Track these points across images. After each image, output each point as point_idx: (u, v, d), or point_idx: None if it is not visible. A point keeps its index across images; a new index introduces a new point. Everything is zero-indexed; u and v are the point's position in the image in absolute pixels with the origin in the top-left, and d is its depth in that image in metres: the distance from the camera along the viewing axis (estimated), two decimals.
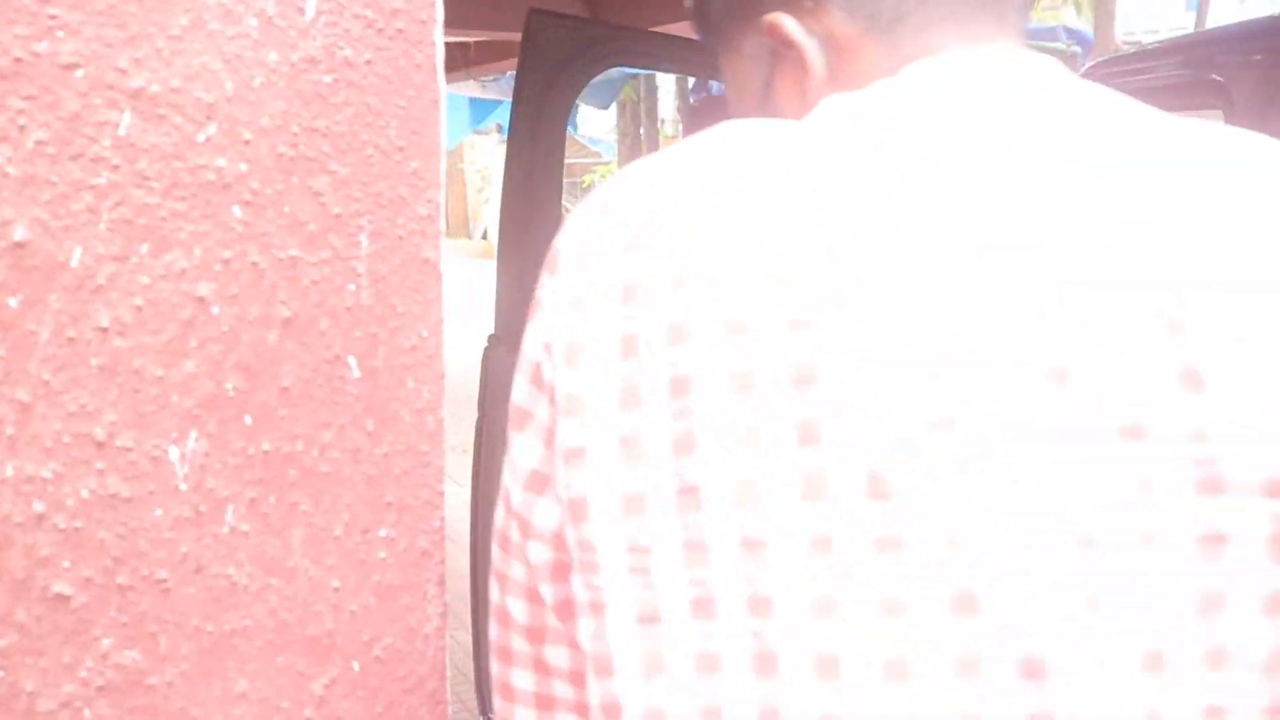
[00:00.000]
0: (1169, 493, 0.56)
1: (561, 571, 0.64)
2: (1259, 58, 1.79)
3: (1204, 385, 0.56)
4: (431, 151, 0.70)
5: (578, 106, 13.37)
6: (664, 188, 0.62)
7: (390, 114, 0.68)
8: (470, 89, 11.43)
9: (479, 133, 18.74)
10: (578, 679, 0.68)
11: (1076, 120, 0.63)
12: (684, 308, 0.58)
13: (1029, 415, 0.56)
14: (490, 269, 2.51)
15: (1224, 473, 0.56)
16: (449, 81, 4.27)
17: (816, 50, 0.70)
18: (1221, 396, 0.56)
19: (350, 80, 0.67)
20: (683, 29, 4.11)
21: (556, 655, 0.67)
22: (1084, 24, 15.84)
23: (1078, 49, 10.86)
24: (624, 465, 0.59)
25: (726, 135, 0.64)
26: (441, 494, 0.73)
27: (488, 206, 20.99)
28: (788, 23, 0.70)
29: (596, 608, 0.60)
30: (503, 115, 13.31)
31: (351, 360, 0.69)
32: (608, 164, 20.08)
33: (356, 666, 0.71)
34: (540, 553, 0.64)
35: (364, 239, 0.68)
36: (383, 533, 0.71)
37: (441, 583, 0.73)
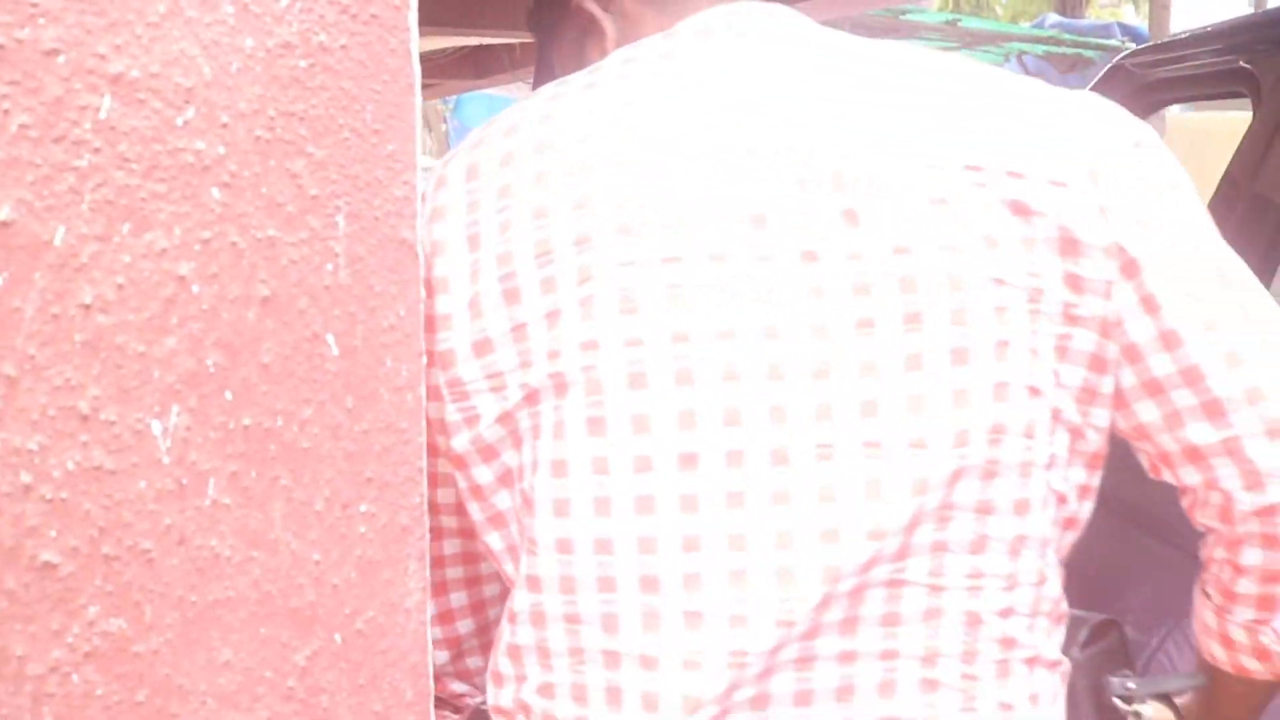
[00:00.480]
0: (834, 295, 0.84)
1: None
2: None
3: (859, 221, 0.85)
4: (407, 134, 0.71)
5: None
6: (520, 128, 0.92)
7: (366, 98, 0.70)
8: (521, 90, 11.50)
9: None
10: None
11: (788, 47, 0.92)
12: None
13: (742, 248, 0.85)
14: None
15: (871, 280, 0.84)
16: (494, 84, 4.30)
17: (611, 24, 1.00)
18: (871, 228, 0.85)
19: (326, 65, 0.69)
20: None
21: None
22: (1142, 20, 15.61)
23: (1133, 45, 10.73)
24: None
25: (557, 87, 0.94)
26: (422, 470, 0.74)
27: None
28: (590, 6, 1.00)
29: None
30: None
31: (330, 338, 0.70)
32: None
33: (339, 639, 0.73)
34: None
35: (341, 220, 0.70)
36: (363, 508, 0.73)
37: (423, 558, 0.75)
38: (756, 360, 0.84)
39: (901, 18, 10.63)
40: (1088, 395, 0.90)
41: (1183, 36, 2.23)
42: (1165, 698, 1.14)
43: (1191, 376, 0.89)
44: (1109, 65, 2.31)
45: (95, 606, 0.67)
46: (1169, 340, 0.89)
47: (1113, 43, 10.37)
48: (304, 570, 0.71)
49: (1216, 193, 1.84)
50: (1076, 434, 0.90)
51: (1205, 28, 2.19)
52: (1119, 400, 0.91)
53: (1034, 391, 0.86)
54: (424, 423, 0.74)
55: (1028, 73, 12.90)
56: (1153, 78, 2.17)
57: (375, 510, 0.73)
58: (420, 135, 0.72)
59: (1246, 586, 0.97)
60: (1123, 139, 0.91)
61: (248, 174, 0.67)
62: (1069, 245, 0.87)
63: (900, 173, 0.85)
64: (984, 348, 0.85)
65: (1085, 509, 0.94)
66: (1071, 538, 0.94)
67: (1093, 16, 15.87)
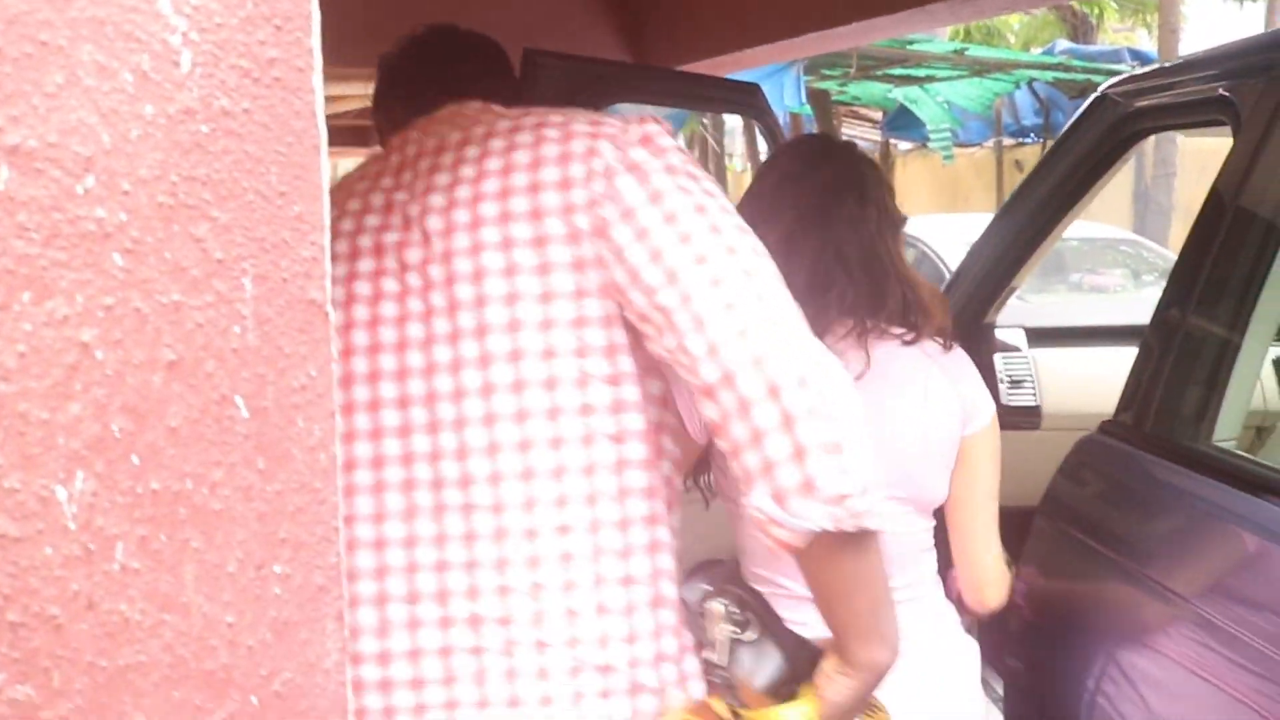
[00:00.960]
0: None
1: None
2: (1264, 73, 1.76)
3: (430, 238, 1.25)
4: (314, 195, 0.71)
5: None
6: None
7: (270, 160, 0.70)
8: None
9: None
10: None
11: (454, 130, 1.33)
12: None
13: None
14: None
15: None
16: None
17: (386, 127, 1.47)
18: (440, 237, 1.24)
19: (228, 129, 0.69)
20: (716, 66, 4.14)
21: None
22: (1154, 45, 15.57)
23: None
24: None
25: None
26: (337, 530, 0.74)
27: None
28: (378, 119, 1.52)
29: None
30: None
31: (239, 400, 0.70)
32: None
33: (255, 701, 0.73)
34: None
35: (247, 282, 0.70)
36: (277, 569, 0.72)
37: (340, 618, 0.74)
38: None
39: (909, 47, 10.66)
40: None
41: (1165, 65, 2.23)
42: (731, 593, 1.24)
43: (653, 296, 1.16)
44: (1094, 95, 2.31)
45: (2, 674, 0.66)
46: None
47: (1123, 68, 10.36)
48: (217, 632, 0.71)
49: (1201, 213, 1.83)
50: (608, 381, 1.20)
51: (1191, 56, 2.19)
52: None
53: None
54: (338, 481, 0.74)
55: (1038, 99, 12.90)
56: (1135, 106, 2.17)
57: (290, 571, 0.73)
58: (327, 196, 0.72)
59: (734, 469, 1.13)
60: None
61: (150, 240, 0.67)
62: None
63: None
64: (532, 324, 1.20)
65: (631, 449, 1.21)
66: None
67: (1104, 42, 15.86)
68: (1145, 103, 2.15)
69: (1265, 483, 1.55)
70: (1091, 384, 2.55)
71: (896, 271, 1.73)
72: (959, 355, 1.76)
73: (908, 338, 1.71)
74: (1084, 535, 1.90)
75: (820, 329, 1.59)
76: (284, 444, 0.72)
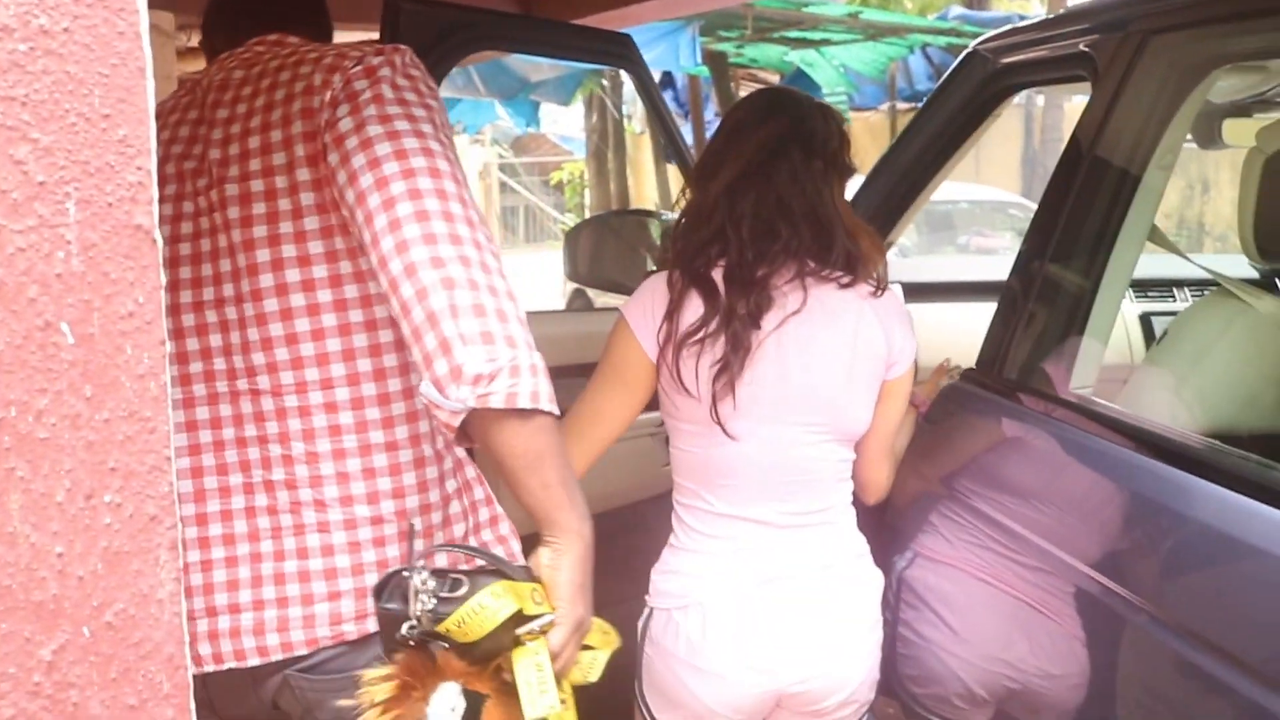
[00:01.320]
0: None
1: None
2: (1121, 28, 1.81)
3: (212, 166, 1.47)
4: (140, 119, 0.70)
5: (538, 103, 13.33)
6: None
7: (93, 82, 0.69)
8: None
9: None
10: None
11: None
12: None
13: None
14: None
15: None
16: None
17: (209, 58, 1.62)
18: (219, 165, 1.46)
19: (48, 48, 0.68)
20: (611, 19, 4.12)
21: None
22: (1045, 13, 15.87)
23: None
24: None
25: None
26: (169, 459, 0.73)
27: None
28: (205, 49, 1.68)
29: None
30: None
31: (64, 327, 0.69)
32: (577, 160, 20.04)
33: (87, 632, 0.72)
34: None
35: (71, 206, 0.69)
36: (107, 498, 0.72)
37: (174, 548, 0.74)
38: None
39: (804, 9, 10.72)
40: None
41: (1033, 22, 2.28)
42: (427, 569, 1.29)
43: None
44: (965, 52, 2.35)
45: None
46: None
47: None
48: (46, 563, 0.70)
49: (1058, 166, 1.89)
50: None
51: (1056, 14, 2.24)
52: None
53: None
54: (169, 410, 0.73)
55: (932, 64, 13.09)
56: (1003, 63, 2.21)
57: (120, 500, 0.72)
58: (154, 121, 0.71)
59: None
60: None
61: None
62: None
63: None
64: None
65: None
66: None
67: (998, 9, 16.11)
68: (1013, 59, 2.20)
69: (1121, 428, 1.61)
70: (966, 338, 2.61)
71: (842, 223, 1.82)
72: (891, 300, 1.85)
73: (844, 280, 1.80)
74: (941, 481, 1.96)
75: (768, 272, 1.76)
76: (112, 371, 0.71)
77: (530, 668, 1.21)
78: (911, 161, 2.47)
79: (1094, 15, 1.96)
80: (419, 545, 1.40)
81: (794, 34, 11.68)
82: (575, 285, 7.76)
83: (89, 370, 0.71)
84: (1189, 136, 2.01)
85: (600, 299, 6.93)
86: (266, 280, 1.41)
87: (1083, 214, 1.79)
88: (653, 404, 1.79)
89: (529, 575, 1.28)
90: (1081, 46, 1.90)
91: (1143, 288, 3.26)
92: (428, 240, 1.27)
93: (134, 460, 0.72)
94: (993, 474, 1.86)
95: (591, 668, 1.34)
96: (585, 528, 1.30)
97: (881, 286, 1.84)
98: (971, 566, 1.84)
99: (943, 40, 11.99)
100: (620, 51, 2.75)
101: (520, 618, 1.22)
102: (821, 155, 1.81)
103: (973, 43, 2.35)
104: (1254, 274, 2.24)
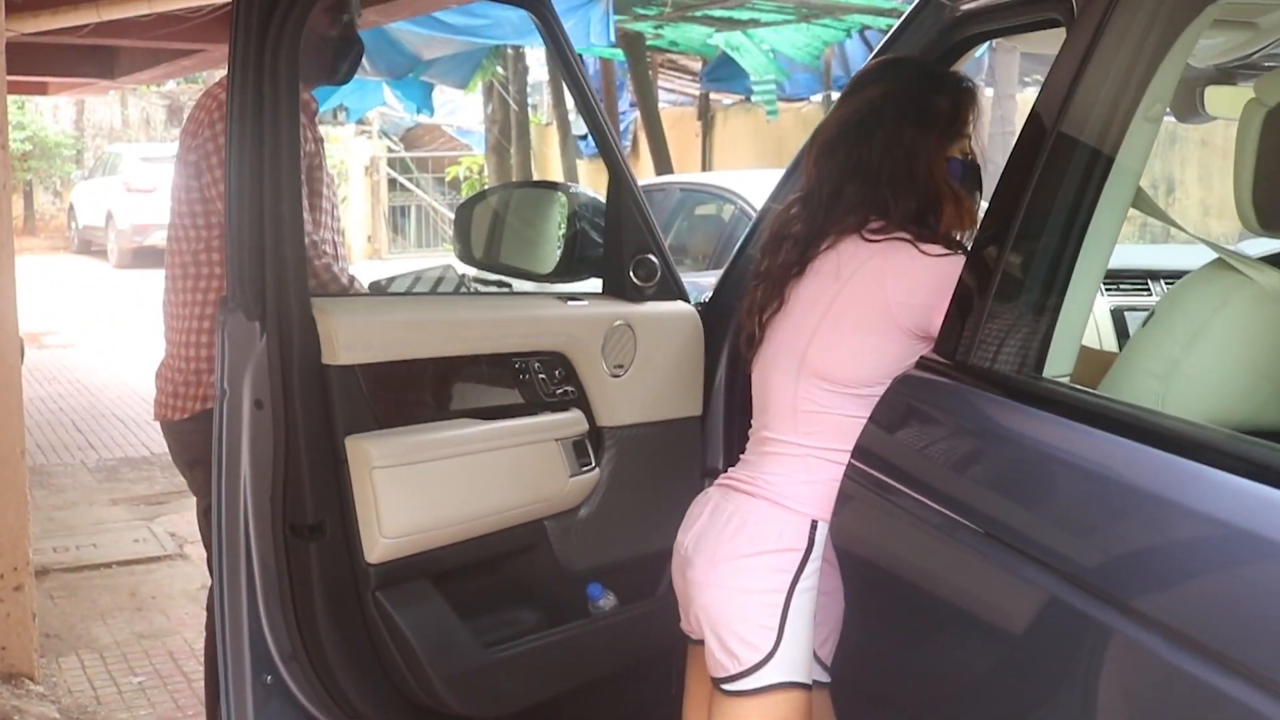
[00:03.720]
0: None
1: None
2: None
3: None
4: None
5: (432, 85, 13.18)
6: None
7: None
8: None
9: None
10: None
11: None
12: None
13: None
14: None
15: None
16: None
17: None
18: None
19: None
20: None
21: None
22: None
23: None
24: None
25: None
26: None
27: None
28: None
29: None
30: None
31: None
32: (476, 156, 19.86)
33: None
34: None
35: None
36: None
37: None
38: None
39: None
40: None
41: None
42: None
43: None
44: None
45: None
46: None
47: None
48: None
49: (1026, 125, 1.82)
50: None
51: None
52: None
53: None
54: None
55: (870, 48, 13.19)
56: (963, 9, 2.15)
57: None
58: None
59: None
60: None
61: None
62: None
63: None
64: None
65: None
66: None
67: None
68: (973, 5, 2.14)
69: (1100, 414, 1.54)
70: None
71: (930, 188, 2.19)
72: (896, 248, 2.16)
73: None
74: (901, 481, 1.88)
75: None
76: None
77: None
78: None
79: None
80: None
81: (718, 12, 11.70)
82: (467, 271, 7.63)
83: None
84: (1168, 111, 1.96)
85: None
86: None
87: (1058, 175, 1.72)
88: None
89: None
90: None
91: (1114, 280, 3.24)
92: None
93: None
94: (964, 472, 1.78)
95: None
96: None
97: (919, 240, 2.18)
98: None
99: (885, 22, 12.06)
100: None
101: None
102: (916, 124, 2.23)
103: None
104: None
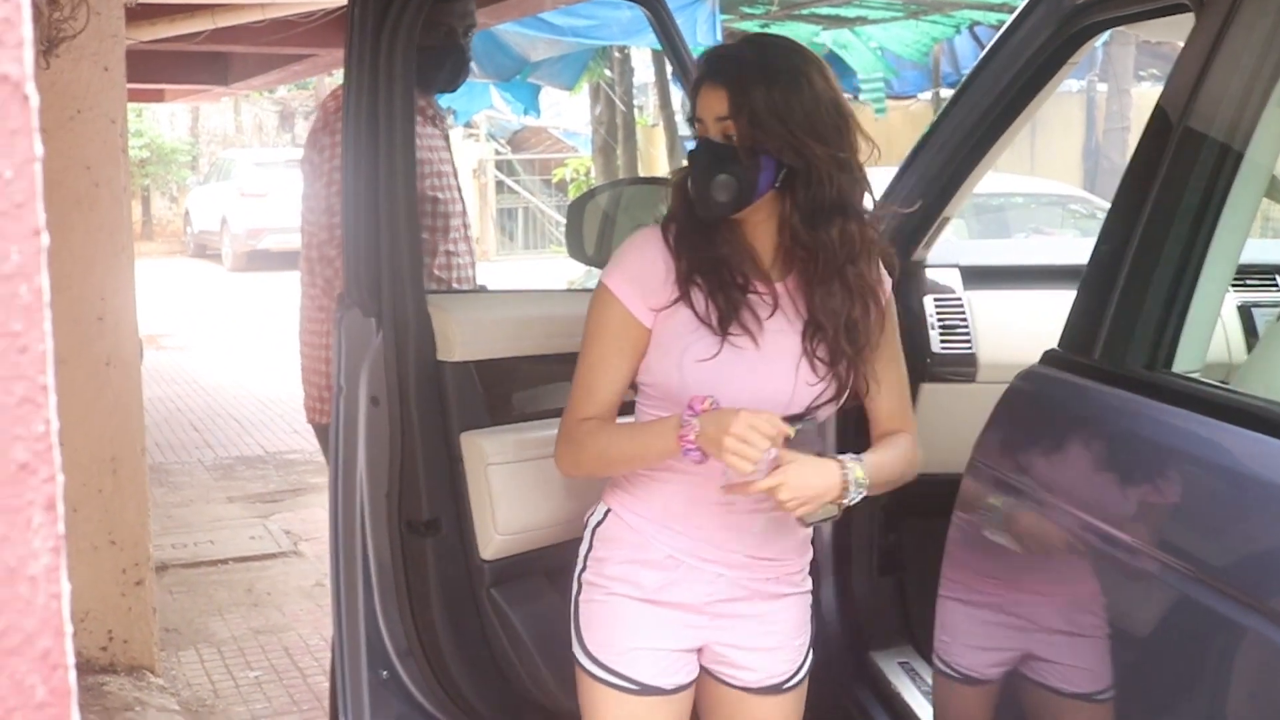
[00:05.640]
0: None
1: None
2: None
3: None
4: None
5: (539, 87, 13.25)
6: None
7: None
8: None
9: None
10: None
11: None
12: None
13: None
14: None
15: None
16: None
17: None
18: None
19: None
20: None
21: None
22: None
23: None
24: None
25: None
26: (46, 389, 0.62)
27: None
28: None
29: None
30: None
31: None
32: (582, 157, 19.96)
33: None
34: None
35: None
36: None
37: (51, 508, 0.63)
38: None
39: None
40: None
41: None
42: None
43: None
44: None
45: None
46: None
47: None
48: None
49: (1153, 116, 1.77)
50: None
51: None
52: None
53: None
54: (48, 325, 0.62)
55: (981, 46, 13.01)
56: None
57: None
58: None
59: None
60: None
61: None
62: None
63: None
64: None
65: None
66: None
67: None
68: None
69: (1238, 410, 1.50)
70: (1035, 329, 2.50)
71: None
72: None
73: None
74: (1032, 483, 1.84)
75: None
76: None
77: None
78: (973, 120, 2.36)
79: None
80: None
81: (826, 10, 11.61)
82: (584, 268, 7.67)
83: None
84: None
85: None
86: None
87: (1187, 167, 1.68)
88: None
89: None
90: None
91: (1241, 275, 3.14)
92: None
93: None
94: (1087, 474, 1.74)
95: None
96: None
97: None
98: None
99: (995, 17, 11.89)
100: None
101: None
102: None
103: None
104: None
